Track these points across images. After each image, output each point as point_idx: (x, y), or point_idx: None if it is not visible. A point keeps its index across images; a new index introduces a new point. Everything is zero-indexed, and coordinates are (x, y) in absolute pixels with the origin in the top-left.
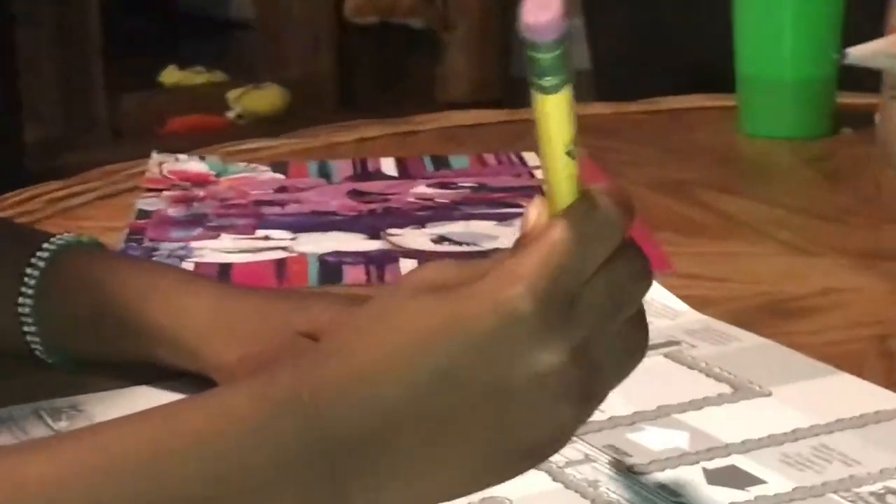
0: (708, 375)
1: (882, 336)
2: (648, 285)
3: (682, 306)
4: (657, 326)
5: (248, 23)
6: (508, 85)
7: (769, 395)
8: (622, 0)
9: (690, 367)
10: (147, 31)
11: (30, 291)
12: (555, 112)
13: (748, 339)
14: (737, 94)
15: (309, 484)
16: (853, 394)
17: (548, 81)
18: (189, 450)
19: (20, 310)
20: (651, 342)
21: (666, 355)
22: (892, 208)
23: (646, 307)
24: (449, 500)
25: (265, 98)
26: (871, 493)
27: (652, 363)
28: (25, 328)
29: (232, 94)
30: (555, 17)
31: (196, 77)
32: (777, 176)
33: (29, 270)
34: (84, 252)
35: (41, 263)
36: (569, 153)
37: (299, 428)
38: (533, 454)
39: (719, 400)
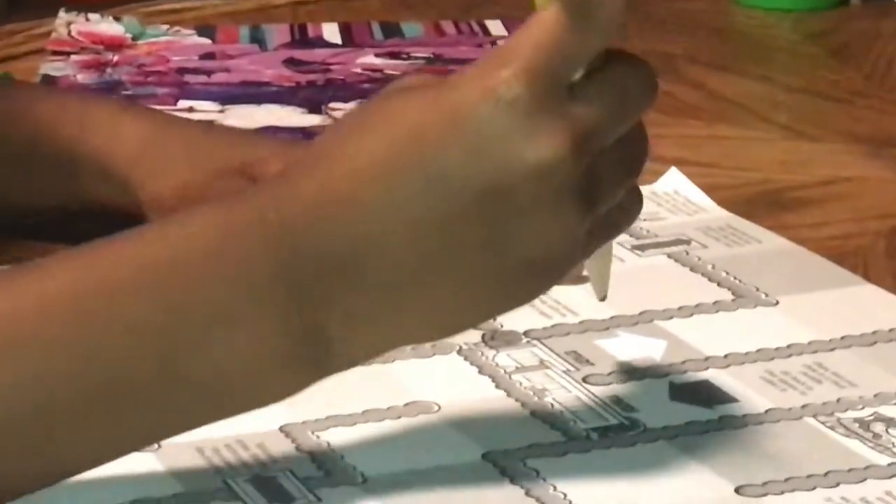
0: (710, 280)
1: (890, 230)
2: (652, 95)
3: (706, 202)
4: (671, 222)
5: None
6: None
7: (775, 304)
8: None
9: (693, 270)
10: None
11: None
12: None
13: (770, 242)
14: None
15: (278, 313)
16: (872, 307)
17: None
18: (142, 279)
19: None
20: (657, 240)
21: (669, 255)
22: None
23: (666, 200)
24: (443, 334)
25: None
26: (856, 420)
27: (651, 263)
28: None
29: None
30: None
31: None
32: (776, 52)
33: None
34: (4, 86)
35: None
36: None
37: (266, 250)
38: (540, 268)
39: (714, 308)
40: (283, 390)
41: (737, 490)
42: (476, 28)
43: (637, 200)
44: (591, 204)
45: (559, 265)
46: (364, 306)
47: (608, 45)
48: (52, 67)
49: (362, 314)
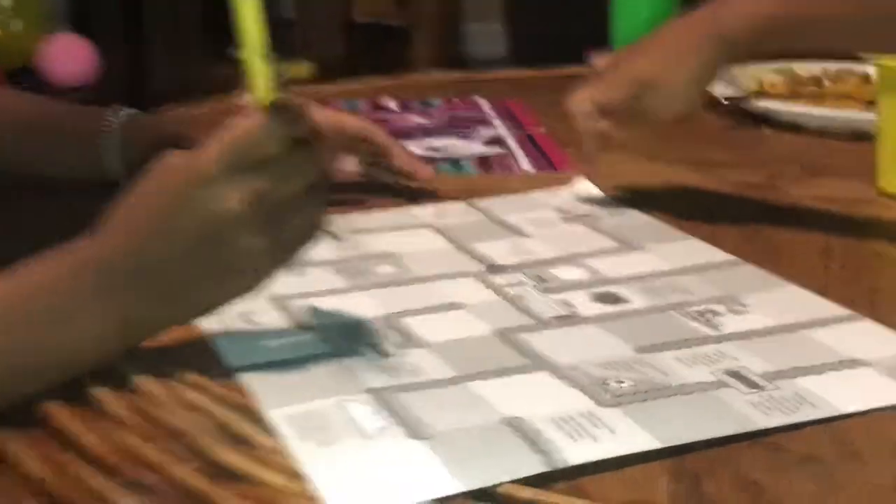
0: (607, 236)
1: (704, 208)
2: (314, 169)
3: (600, 193)
4: (585, 206)
5: (290, 21)
6: (455, 62)
7: (644, 249)
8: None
9: (596, 230)
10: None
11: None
12: (250, 15)
13: (640, 217)
14: None
15: (100, 312)
16: (697, 251)
17: None
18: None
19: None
20: (574, 214)
21: (583, 223)
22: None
23: (575, 193)
24: (193, 316)
25: (300, 68)
26: (696, 311)
27: (573, 228)
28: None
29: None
30: None
31: None
32: None
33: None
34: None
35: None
36: (261, 57)
37: (95, 279)
38: (245, 271)
39: (611, 251)
40: (100, 359)
41: (635, 349)
42: (472, 102)
43: (314, 225)
44: (264, 233)
45: (256, 268)
46: (151, 301)
47: (297, 137)
48: None
49: (150, 306)
